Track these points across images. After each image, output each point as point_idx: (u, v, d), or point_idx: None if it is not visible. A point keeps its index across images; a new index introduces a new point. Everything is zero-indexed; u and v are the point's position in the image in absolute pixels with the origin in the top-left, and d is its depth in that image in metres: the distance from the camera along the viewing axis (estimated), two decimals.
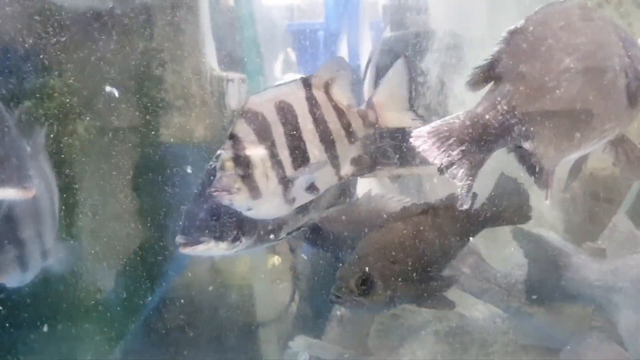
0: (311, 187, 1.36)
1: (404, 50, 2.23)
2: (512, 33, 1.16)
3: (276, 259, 2.39)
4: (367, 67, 2.42)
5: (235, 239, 1.46)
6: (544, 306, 1.81)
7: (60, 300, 2.06)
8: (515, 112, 1.14)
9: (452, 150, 1.12)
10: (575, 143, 1.19)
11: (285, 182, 1.31)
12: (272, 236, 1.53)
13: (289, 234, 1.57)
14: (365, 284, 1.47)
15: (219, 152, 1.52)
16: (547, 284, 1.76)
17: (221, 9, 2.45)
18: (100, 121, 2.05)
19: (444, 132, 1.13)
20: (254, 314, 2.31)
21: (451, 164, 1.12)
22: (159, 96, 2.07)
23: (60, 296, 2.05)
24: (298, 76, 2.86)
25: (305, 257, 2.30)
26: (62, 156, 2.04)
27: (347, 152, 1.40)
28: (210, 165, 1.51)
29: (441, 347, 1.98)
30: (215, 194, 1.28)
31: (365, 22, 3.41)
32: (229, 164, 1.27)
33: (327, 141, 1.35)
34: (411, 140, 1.13)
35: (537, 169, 1.17)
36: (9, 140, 1.21)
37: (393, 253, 1.51)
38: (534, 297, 1.79)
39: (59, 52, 2.00)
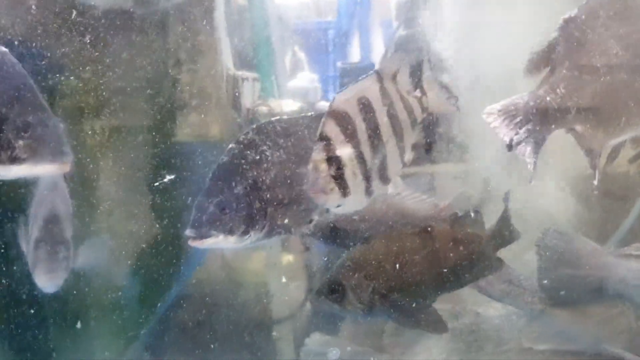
0: (384, 177, 1.40)
1: (418, 48, 2.24)
2: (567, 21, 1.21)
3: (291, 257, 2.41)
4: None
5: (244, 232, 1.48)
6: (568, 308, 1.81)
7: (77, 299, 2.08)
8: (572, 96, 1.20)
9: (520, 128, 1.19)
10: (620, 127, 1.25)
11: (368, 177, 1.36)
12: (282, 230, 1.56)
13: (299, 227, 1.59)
14: (338, 293, 1.55)
15: (230, 146, 1.55)
16: (576, 285, 1.76)
17: (235, 8, 2.46)
18: (117, 120, 2.07)
19: (512, 111, 1.20)
20: (268, 311, 2.33)
21: (519, 141, 1.19)
22: (175, 95, 2.09)
23: (79, 294, 2.07)
24: (310, 75, 2.87)
25: (319, 255, 2.30)
26: (79, 155, 2.06)
27: (410, 138, 1.46)
28: (222, 159, 1.54)
29: (456, 345, 1.99)
30: (311, 195, 1.33)
31: (376, 20, 3.41)
32: (323, 166, 1.31)
33: (398, 131, 1.41)
34: (483, 116, 1.21)
35: (586, 152, 1.24)
36: (45, 117, 1.22)
37: (370, 270, 1.57)
38: (562, 294, 1.79)
39: (76, 51, 2.01)
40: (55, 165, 1.21)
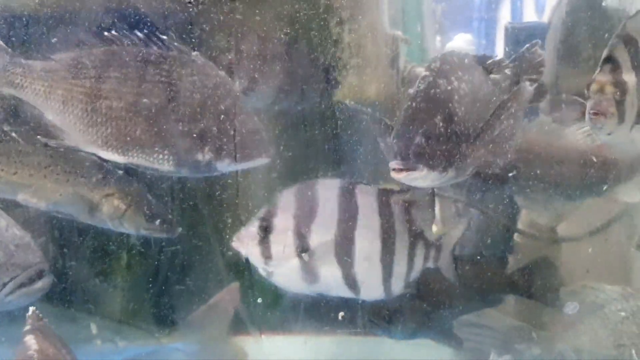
0: None
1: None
2: None
3: None
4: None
5: (444, 169, 1.39)
6: None
7: None
8: None
9: None
10: None
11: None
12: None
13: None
14: None
15: (424, 74, 1.47)
16: None
17: None
18: (278, 80, 2.06)
19: None
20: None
21: None
22: (335, 55, 2.05)
23: None
24: (465, 37, 2.74)
25: None
26: None
27: None
28: (418, 87, 1.45)
29: (628, 328, 1.84)
30: (593, 117, 1.33)
31: None
32: (609, 88, 1.30)
33: None
34: None
35: None
36: (252, 121, 1.49)
37: None
38: None
39: (237, 7, 2.01)
40: (258, 161, 1.52)
